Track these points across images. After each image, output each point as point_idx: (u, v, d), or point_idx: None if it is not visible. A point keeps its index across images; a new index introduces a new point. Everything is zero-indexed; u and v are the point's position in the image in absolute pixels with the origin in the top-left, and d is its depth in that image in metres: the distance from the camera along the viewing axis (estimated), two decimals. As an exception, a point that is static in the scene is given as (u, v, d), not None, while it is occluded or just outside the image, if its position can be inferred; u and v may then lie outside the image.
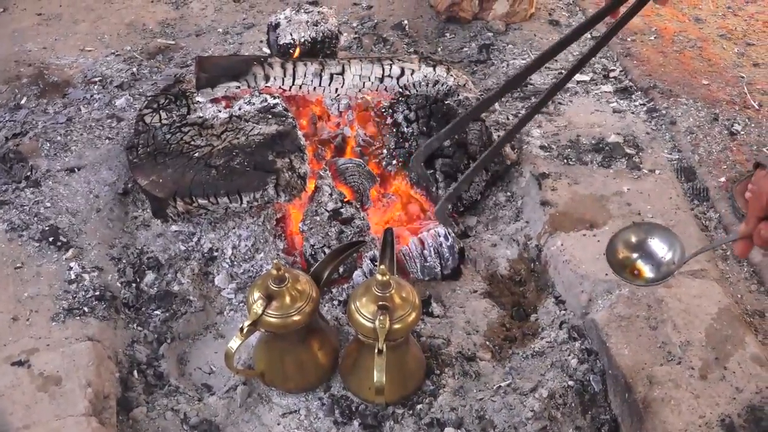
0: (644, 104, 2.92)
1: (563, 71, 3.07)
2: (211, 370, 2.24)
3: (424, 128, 2.57)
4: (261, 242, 2.42)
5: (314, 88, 2.66)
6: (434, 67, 2.72)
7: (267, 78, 2.63)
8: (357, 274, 2.35)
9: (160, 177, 2.39)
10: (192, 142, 2.48)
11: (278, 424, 2.07)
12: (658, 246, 1.80)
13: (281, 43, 2.74)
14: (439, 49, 3.31)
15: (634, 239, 1.82)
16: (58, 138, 2.77)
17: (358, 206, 2.48)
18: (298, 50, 2.72)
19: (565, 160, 2.63)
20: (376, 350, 1.88)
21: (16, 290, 2.25)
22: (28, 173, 2.62)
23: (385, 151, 2.62)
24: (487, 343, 2.24)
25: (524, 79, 2.14)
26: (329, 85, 2.66)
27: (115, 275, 2.35)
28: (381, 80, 2.68)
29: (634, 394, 1.98)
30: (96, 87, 3.04)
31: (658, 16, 3.38)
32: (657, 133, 2.78)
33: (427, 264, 2.37)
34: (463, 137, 2.55)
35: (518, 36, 3.34)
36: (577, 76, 3.05)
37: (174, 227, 2.46)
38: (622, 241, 1.82)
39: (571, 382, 2.09)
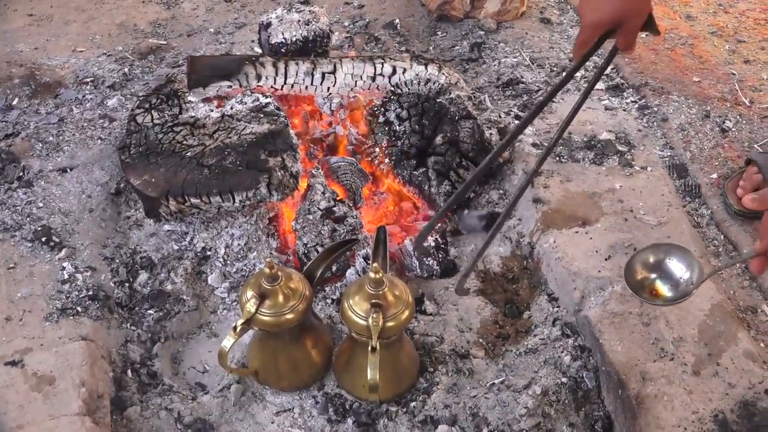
0: (636, 101, 2.93)
1: (554, 68, 3.09)
2: (205, 369, 2.24)
3: (416, 126, 2.57)
4: (254, 241, 2.42)
5: (306, 87, 2.67)
6: (426, 65, 2.73)
7: (259, 77, 2.64)
8: (350, 273, 2.35)
9: (152, 176, 2.39)
10: (184, 142, 2.48)
11: (272, 423, 2.07)
12: (676, 266, 1.85)
13: (273, 42, 2.74)
14: (431, 48, 3.31)
15: (652, 260, 1.86)
16: (50, 138, 2.76)
17: (350, 205, 2.48)
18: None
19: (558, 158, 2.63)
20: (369, 348, 1.89)
21: (9, 290, 2.25)
22: (21, 173, 2.62)
23: (377, 149, 2.62)
24: (481, 340, 2.25)
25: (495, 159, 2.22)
26: (321, 84, 2.66)
27: (108, 275, 2.35)
28: (373, 79, 2.69)
29: (627, 390, 1.98)
30: (88, 87, 3.03)
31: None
32: (649, 130, 2.78)
33: (426, 261, 2.38)
34: (455, 135, 2.56)
35: (509, 34, 3.34)
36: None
37: (167, 227, 2.46)
38: (640, 262, 1.86)
39: (564, 379, 2.10)
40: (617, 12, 1.80)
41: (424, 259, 2.39)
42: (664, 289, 1.85)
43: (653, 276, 1.86)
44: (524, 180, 1.98)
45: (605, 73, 3.07)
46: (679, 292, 1.83)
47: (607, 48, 1.92)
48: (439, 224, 2.51)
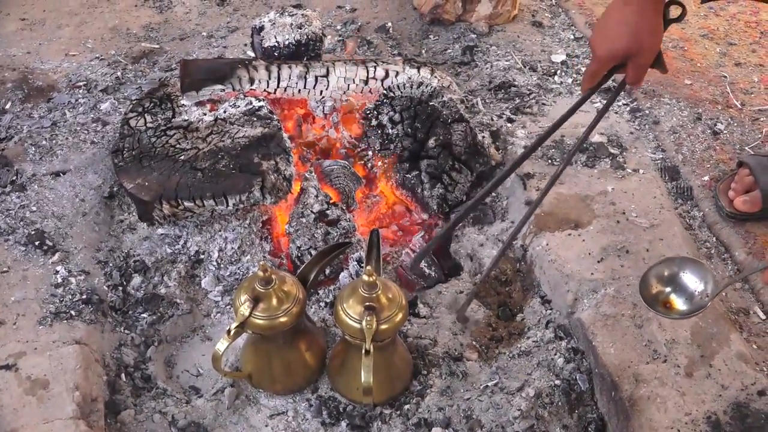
0: (627, 104, 2.93)
1: (546, 71, 3.09)
2: (199, 372, 2.24)
3: (409, 129, 2.58)
4: (247, 244, 2.43)
5: (299, 90, 2.67)
6: (418, 68, 2.73)
7: (252, 81, 2.64)
8: (343, 276, 2.35)
9: (145, 180, 2.39)
10: (177, 145, 2.48)
11: (266, 426, 2.07)
12: (690, 279, 1.85)
13: (265, 45, 2.74)
14: (423, 51, 3.32)
15: (666, 273, 1.87)
16: (43, 142, 2.76)
17: (343, 208, 2.49)
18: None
19: (550, 161, 2.64)
20: (363, 351, 1.88)
21: (2, 294, 2.24)
22: (14, 177, 2.61)
23: (370, 152, 2.62)
24: (474, 343, 2.25)
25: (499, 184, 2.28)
26: (314, 87, 2.66)
27: (101, 279, 2.35)
28: (365, 82, 2.69)
29: (620, 392, 1.98)
30: (81, 91, 3.03)
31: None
32: (640, 132, 2.79)
33: (430, 273, 2.40)
34: (448, 138, 2.56)
35: (501, 37, 3.34)
36: (560, 78, 3.06)
37: (160, 230, 2.46)
38: (654, 276, 1.87)
39: (557, 381, 2.10)
40: (628, 47, 1.90)
41: (426, 272, 2.41)
42: (678, 303, 1.86)
43: (668, 290, 1.87)
44: (529, 210, 2.06)
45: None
46: (693, 304, 1.83)
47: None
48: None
